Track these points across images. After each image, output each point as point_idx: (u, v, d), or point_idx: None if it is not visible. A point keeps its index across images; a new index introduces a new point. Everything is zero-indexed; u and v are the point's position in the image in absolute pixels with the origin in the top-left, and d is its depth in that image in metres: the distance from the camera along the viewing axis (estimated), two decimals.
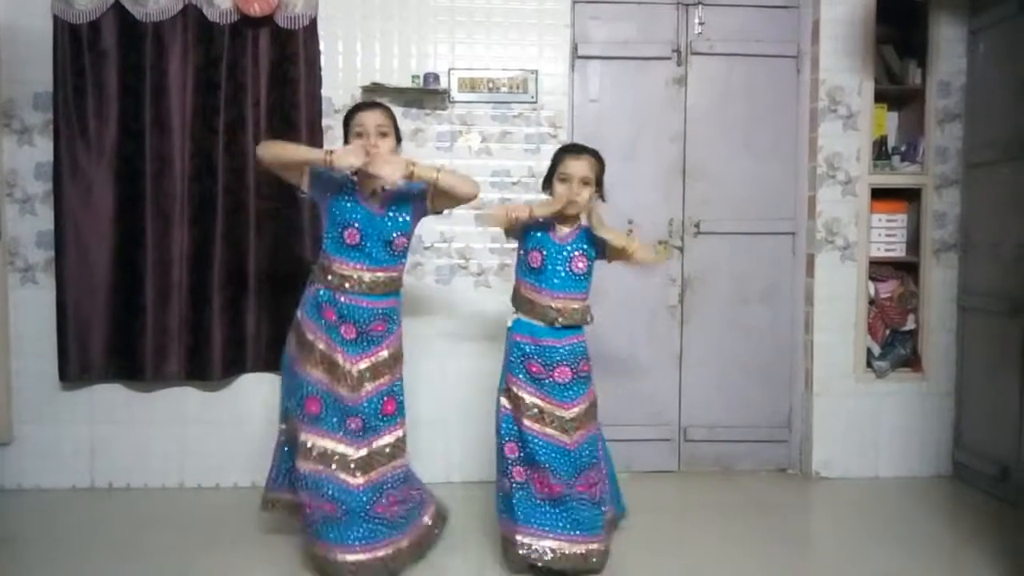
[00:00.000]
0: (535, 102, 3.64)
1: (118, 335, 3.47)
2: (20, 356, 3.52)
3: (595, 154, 2.69)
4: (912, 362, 3.84)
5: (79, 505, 3.39)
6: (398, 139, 2.75)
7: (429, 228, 3.63)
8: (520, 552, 2.60)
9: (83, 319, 3.45)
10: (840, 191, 3.76)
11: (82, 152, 3.42)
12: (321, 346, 2.66)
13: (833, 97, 3.74)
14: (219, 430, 3.59)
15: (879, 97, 3.79)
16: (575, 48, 3.76)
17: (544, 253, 2.64)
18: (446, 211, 2.87)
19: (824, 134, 3.75)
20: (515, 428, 2.66)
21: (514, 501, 2.63)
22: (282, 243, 3.48)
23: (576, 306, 2.65)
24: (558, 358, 2.63)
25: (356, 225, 2.63)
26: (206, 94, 3.44)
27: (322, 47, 3.53)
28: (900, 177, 3.81)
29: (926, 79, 3.78)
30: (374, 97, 3.54)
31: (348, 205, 2.66)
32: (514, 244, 2.81)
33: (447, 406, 3.61)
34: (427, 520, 2.82)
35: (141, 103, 3.41)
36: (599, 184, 2.69)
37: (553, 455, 2.59)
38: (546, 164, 3.58)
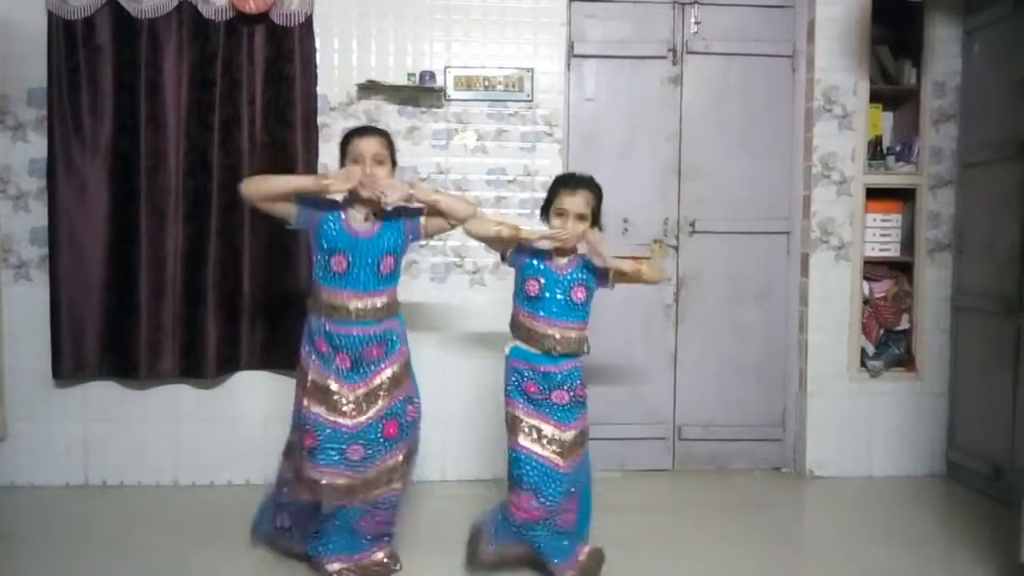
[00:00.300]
0: (531, 100, 3.64)
1: (112, 332, 3.46)
2: (13, 353, 3.51)
3: (592, 186, 2.64)
4: (906, 362, 3.85)
5: (73, 503, 3.39)
6: (393, 164, 2.69)
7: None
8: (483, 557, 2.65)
9: (77, 316, 3.44)
10: (835, 191, 3.77)
11: (76, 149, 3.41)
12: (315, 376, 2.62)
13: (828, 97, 3.75)
14: (213, 428, 3.59)
15: (874, 97, 3.80)
16: (571, 47, 3.76)
17: (542, 282, 2.60)
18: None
19: (819, 134, 3.75)
20: (511, 456, 2.62)
21: (493, 516, 2.66)
22: (276, 241, 3.47)
23: (573, 335, 2.61)
24: (556, 383, 2.60)
25: (343, 251, 2.59)
26: (201, 91, 3.43)
27: (318, 44, 3.53)
28: (895, 177, 3.82)
29: (921, 79, 3.79)
30: (370, 95, 3.56)
31: (334, 232, 2.60)
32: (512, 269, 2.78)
33: (442, 404, 3.60)
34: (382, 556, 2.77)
35: (136, 100, 3.40)
36: (596, 216, 2.64)
37: (542, 477, 2.55)
38: (541, 162, 3.65)
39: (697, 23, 3.82)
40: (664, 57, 3.82)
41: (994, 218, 3.55)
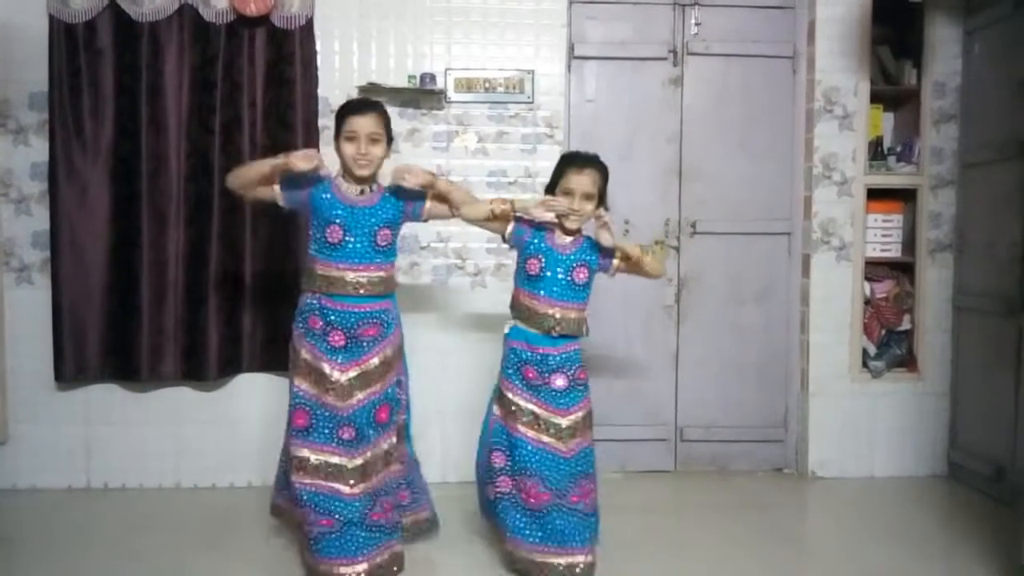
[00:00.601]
0: (531, 102, 3.64)
1: (114, 335, 3.46)
2: (16, 356, 3.52)
3: (599, 165, 2.63)
4: (908, 362, 3.85)
5: (75, 505, 3.39)
6: (390, 139, 2.71)
7: (426, 228, 3.63)
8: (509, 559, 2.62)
9: (79, 319, 3.44)
10: (836, 191, 3.77)
11: (78, 152, 3.42)
12: (307, 356, 2.62)
13: (829, 98, 3.75)
14: (215, 430, 3.59)
15: (875, 98, 3.80)
16: (571, 48, 3.76)
17: (543, 261, 2.60)
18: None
19: (820, 134, 3.75)
20: (504, 437, 2.62)
21: (499, 511, 2.62)
22: (278, 243, 3.47)
23: (573, 315, 2.61)
24: (554, 365, 2.60)
25: (337, 221, 2.58)
26: (202, 94, 3.44)
27: (318, 47, 3.53)
28: (896, 177, 3.82)
29: (922, 80, 3.79)
30: (371, 97, 3.55)
31: (327, 201, 2.61)
32: (514, 251, 2.79)
33: (444, 406, 3.61)
34: (407, 518, 2.81)
35: (137, 103, 3.40)
36: (602, 195, 2.64)
37: (546, 463, 2.55)
38: (542, 164, 3.64)
39: (697, 24, 3.82)
40: (665, 58, 3.82)
41: (995, 218, 3.55)
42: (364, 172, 2.62)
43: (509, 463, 2.61)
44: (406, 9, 3.59)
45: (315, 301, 2.62)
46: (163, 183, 3.43)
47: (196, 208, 3.45)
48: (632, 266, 2.64)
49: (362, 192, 2.65)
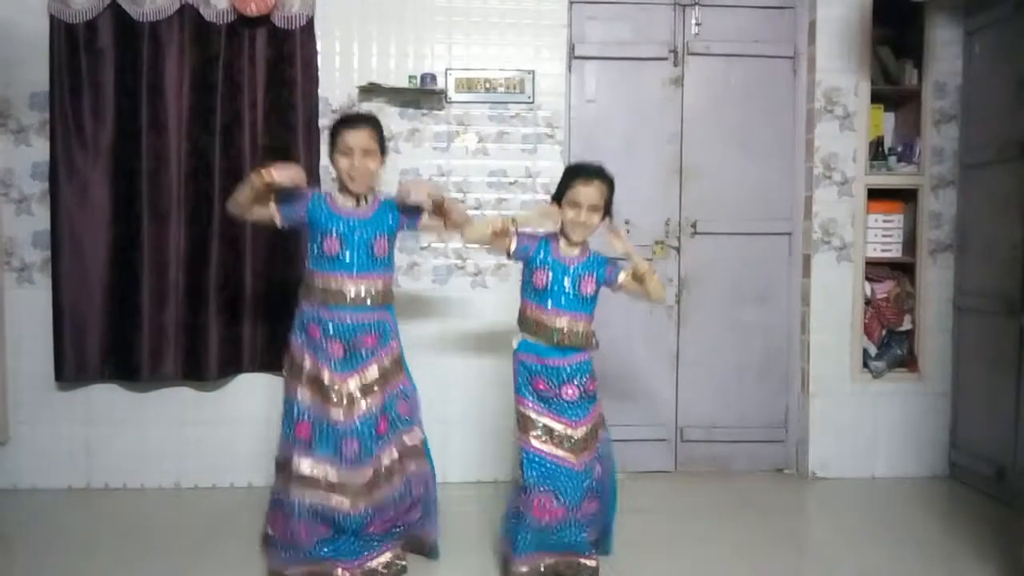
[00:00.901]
0: (532, 102, 3.64)
1: (114, 335, 3.46)
2: (16, 356, 3.52)
3: (605, 177, 2.62)
4: (908, 362, 3.85)
5: (75, 505, 3.39)
6: (384, 152, 2.73)
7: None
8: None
9: (79, 319, 3.44)
10: (836, 192, 3.77)
11: (78, 152, 3.42)
12: (308, 366, 2.62)
13: (829, 98, 3.74)
14: (215, 430, 3.59)
15: (875, 98, 3.80)
16: (572, 48, 3.76)
17: (550, 273, 2.59)
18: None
19: (820, 135, 3.75)
20: (523, 455, 2.60)
21: (509, 527, 2.63)
22: (279, 243, 3.47)
23: (581, 327, 2.60)
24: (564, 376, 2.58)
25: (334, 232, 2.60)
26: (203, 94, 3.44)
27: (319, 47, 3.53)
28: (896, 178, 3.82)
29: (922, 80, 3.79)
30: (372, 97, 3.56)
31: (323, 214, 2.63)
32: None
33: (444, 407, 3.60)
34: (413, 532, 2.78)
35: (137, 103, 3.41)
36: (608, 207, 2.63)
37: (560, 477, 2.53)
38: (543, 164, 3.65)
39: (698, 24, 3.82)
40: (665, 58, 3.82)
41: (995, 218, 3.55)
42: (359, 187, 2.65)
43: (524, 481, 2.57)
44: (407, 9, 3.59)
45: (314, 312, 2.63)
46: (164, 183, 3.43)
47: (197, 208, 3.45)
48: (637, 282, 2.62)
49: (358, 204, 2.67)
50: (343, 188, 2.67)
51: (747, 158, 3.87)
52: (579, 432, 2.57)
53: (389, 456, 2.67)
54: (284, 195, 2.62)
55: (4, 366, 3.50)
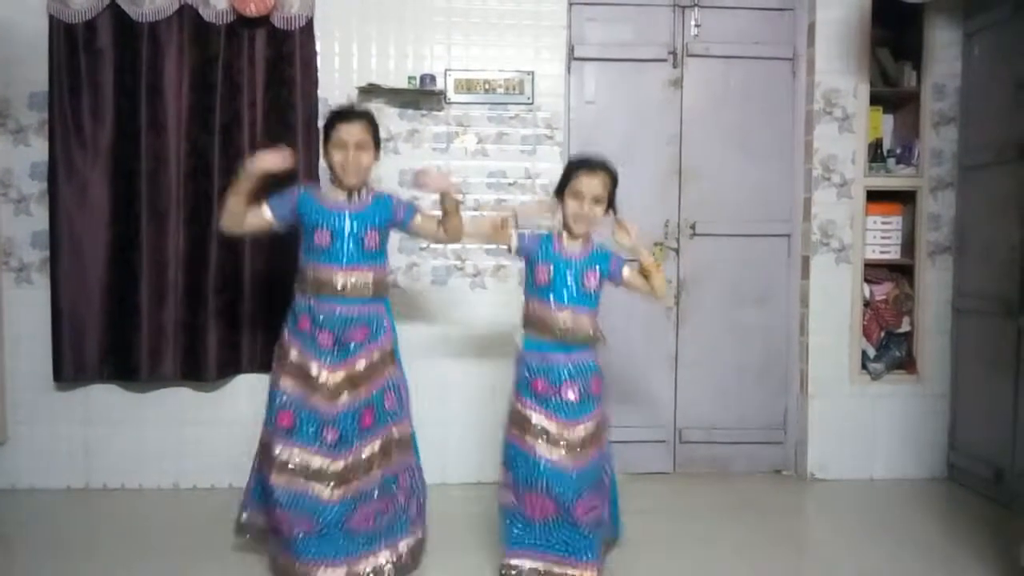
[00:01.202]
0: (531, 103, 3.64)
1: (113, 335, 3.46)
2: (15, 356, 3.52)
3: (609, 170, 2.61)
4: (907, 364, 3.85)
5: (74, 506, 3.39)
6: (378, 146, 2.73)
7: None
8: (502, 573, 2.58)
9: (78, 319, 3.44)
10: (835, 193, 3.77)
11: (77, 152, 3.42)
12: (295, 356, 2.64)
13: (829, 99, 3.75)
14: (214, 431, 3.58)
15: (874, 100, 3.80)
16: (571, 50, 3.76)
17: (552, 268, 2.57)
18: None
19: (820, 136, 3.76)
20: (512, 452, 2.58)
21: (505, 524, 2.60)
22: (277, 244, 3.46)
23: (584, 321, 2.58)
24: (565, 375, 2.56)
25: (324, 225, 2.62)
26: (202, 94, 3.44)
27: (318, 47, 3.53)
28: (895, 179, 3.82)
29: (921, 82, 3.79)
30: (371, 98, 3.56)
31: (314, 208, 2.65)
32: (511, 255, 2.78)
33: (442, 407, 3.61)
34: (405, 544, 2.74)
35: (137, 103, 3.40)
36: (611, 200, 2.62)
37: (554, 477, 2.50)
38: (542, 165, 3.65)
39: (697, 26, 3.82)
40: (664, 60, 3.83)
41: (994, 220, 3.55)
42: (352, 180, 2.65)
43: (514, 476, 2.56)
44: (406, 10, 3.60)
45: (306, 302, 2.65)
46: (163, 183, 3.43)
47: (196, 208, 3.45)
48: (642, 278, 2.61)
49: (351, 198, 2.67)
50: (336, 181, 2.68)
51: (746, 159, 3.87)
52: (576, 433, 2.54)
53: (371, 448, 2.66)
54: (274, 199, 2.66)
55: (3, 366, 3.50)
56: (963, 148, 3.77)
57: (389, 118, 3.59)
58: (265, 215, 2.66)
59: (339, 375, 2.62)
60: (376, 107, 3.56)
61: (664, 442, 3.90)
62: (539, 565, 2.55)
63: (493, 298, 3.65)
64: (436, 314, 3.64)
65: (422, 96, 3.58)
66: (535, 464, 2.52)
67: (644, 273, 2.61)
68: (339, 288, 2.62)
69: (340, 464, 2.59)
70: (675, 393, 3.90)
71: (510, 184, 3.66)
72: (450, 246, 3.62)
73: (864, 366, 3.81)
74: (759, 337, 3.91)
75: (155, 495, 3.53)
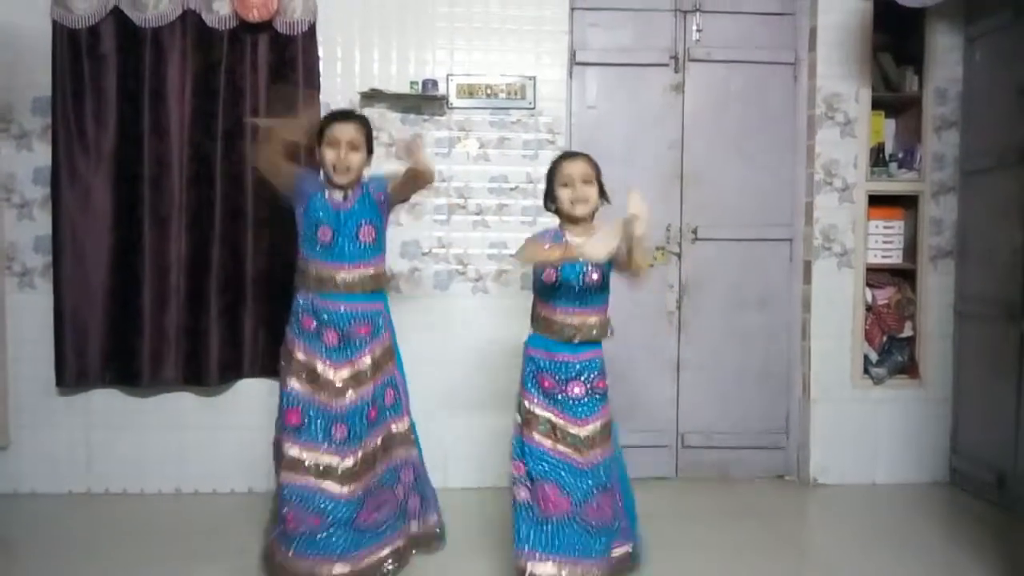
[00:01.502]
0: (533, 108, 3.65)
1: (115, 340, 3.47)
2: (17, 361, 3.52)
3: (590, 158, 2.60)
4: (909, 369, 3.85)
5: (75, 510, 3.39)
6: (370, 150, 2.77)
7: (427, 234, 3.64)
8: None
9: (80, 324, 3.45)
10: (837, 198, 3.77)
11: (80, 157, 3.43)
12: (301, 355, 2.67)
13: (830, 104, 3.75)
14: (216, 435, 3.59)
15: (876, 104, 3.81)
16: (573, 55, 3.77)
17: (557, 269, 2.54)
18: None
19: (821, 141, 3.76)
20: (520, 448, 2.56)
21: (516, 522, 2.56)
22: (279, 248, 3.47)
23: (594, 321, 2.55)
24: (572, 373, 2.54)
25: (328, 223, 2.67)
26: (205, 99, 3.45)
27: (321, 53, 3.54)
28: (897, 184, 3.82)
29: (923, 86, 3.80)
30: (373, 103, 3.57)
31: (319, 203, 2.70)
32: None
33: (445, 412, 3.60)
34: (412, 528, 2.81)
35: (140, 108, 3.41)
36: (601, 186, 2.58)
37: (563, 471, 2.48)
38: (544, 170, 3.57)
39: (699, 31, 3.83)
40: (666, 65, 3.83)
41: (996, 225, 3.55)
42: (342, 180, 2.69)
43: (526, 472, 2.53)
44: (408, 15, 3.60)
45: (308, 302, 2.69)
46: (165, 188, 3.44)
47: (198, 213, 3.46)
48: (624, 261, 2.48)
49: (344, 197, 2.72)
50: (329, 182, 2.73)
51: (748, 164, 3.87)
52: (584, 430, 2.52)
53: (374, 444, 2.70)
54: (302, 173, 2.76)
55: (5, 371, 3.51)
56: (965, 152, 3.77)
57: (391, 123, 3.60)
58: (290, 185, 2.72)
59: (345, 372, 2.66)
60: (378, 112, 3.58)
61: (666, 447, 3.90)
62: (552, 569, 2.50)
63: (495, 302, 3.65)
64: (438, 319, 3.64)
65: (424, 101, 3.59)
66: (545, 458, 2.50)
67: (626, 241, 2.42)
68: (342, 285, 2.66)
69: (350, 460, 2.62)
70: (677, 397, 3.90)
71: (512, 189, 3.66)
72: (452, 251, 3.63)
73: (866, 370, 3.81)
74: (761, 341, 3.91)
75: (157, 500, 3.53)
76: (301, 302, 2.70)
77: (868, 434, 3.80)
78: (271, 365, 3.49)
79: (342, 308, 2.66)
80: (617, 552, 2.58)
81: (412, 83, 3.57)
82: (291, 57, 3.47)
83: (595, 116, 3.83)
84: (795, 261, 3.91)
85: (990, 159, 3.59)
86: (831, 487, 3.77)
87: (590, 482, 2.51)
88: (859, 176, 3.77)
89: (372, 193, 2.75)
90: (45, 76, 3.41)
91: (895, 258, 3.87)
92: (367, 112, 3.55)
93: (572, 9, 3.73)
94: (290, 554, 2.58)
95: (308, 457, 2.61)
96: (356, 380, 2.67)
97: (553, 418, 2.53)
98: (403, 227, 3.58)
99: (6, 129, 3.50)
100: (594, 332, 2.56)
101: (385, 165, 2.88)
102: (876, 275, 3.85)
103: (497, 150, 3.66)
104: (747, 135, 3.87)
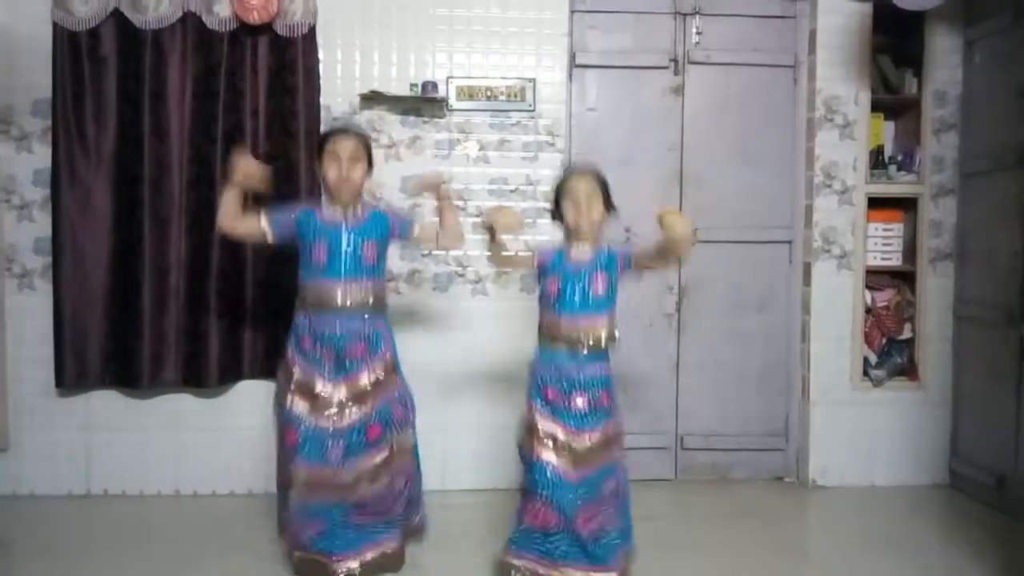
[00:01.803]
0: (533, 111, 3.65)
1: (115, 342, 3.47)
2: (17, 363, 3.52)
3: (593, 171, 2.61)
4: (908, 371, 3.85)
5: (75, 512, 3.39)
6: (370, 165, 2.79)
7: None
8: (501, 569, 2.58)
9: (80, 326, 3.44)
10: (837, 200, 3.77)
11: (80, 159, 3.43)
12: (299, 375, 2.68)
13: (830, 106, 3.75)
14: (215, 437, 3.59)
15: (875, 107, 3.81)
16: (573, 57, 3.77)
17: (560, 280, 2.55)
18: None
19: (821, 143, 3.76)
20: (522, 455, 2.58)
21: (513, 524, 2.58)
22: (279, 251, 3.46)
23: (600, 328, 2.55)
24: (576, 385, 2.53)
25: (322, 242, 2.67)
26: (205, 101, 3.45)
27: (321, 55, 3.54)
28: (896, 186, 3.82)
29: (922, 89, 3.80)
30: (373, 105, 3.57)
31: (313, 223, 2.71)
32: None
33: (444, 414, 3.60)
34: (391, 543, 2.79)
35: (140, 110, 3.41)
36: (608, 199, 2.59)
37: (556, 484, 2.48)
38: (543, 172, 3.65)
39: (698, 33, 3.83)
40: (666, 67, 3.83)
41: (995, 227, 3.55)
42: (344, 197, 2.71)
43: (525, 482, 2.56)
44: (408, 18, 3.61)
45: (306, 320, 2.71)
46: (165, 190, 3.44)
47: (198, 215, 3.46)
48: (654, 249, 2.50)
49: (346, 213, 2.72)
50: (330, 199, 2.75)
51: (747, 166, 3.87)
52: (582, 443, 2.51)
53: (380, 457, 2.71)
54: (275, 212, 2.75)
55: (4, 372, 3.50)
56: (964, 155, 3.77)
57: (391, 125, 3.60)
58: (262, 225, 2.73)
59: (342, 391, 2.67)
60: (378, 114, 3.59)
61: (665, 449, 3.90)
62: (535, 567, 2.52)
63: (494, 305, 3.65)
64: (437, 321, 3.65)
65: (424, 103, 3.59)
66: (540, 469, 2.51)
67: (664, 228, 2.41)
68: (339, 303, 2.66)
69: (345, 477, 2.64)
70: (676, 399, 3.90)
71: (512, 191, 3.66)
72: (452, 253, 3.62)
73: (866, 373, 3.81)
74: (760, 344, 3.91)
75: (156, 501, 3.53)
76: (300, 322, 2.72)
77: (867, 436, 3.80)
78: (271, 367, 3.49)
79: (338, 328, 2.67)
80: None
81: (412, 85, 3.57)
82: (291, 59, 3.47)
83: (595, 118, 3.83)
84: (795, 263, 3.91)
85: (989, 161, 3.59)
86: (830, 489, 3.77)
87: (581, 493, 2.50)
88: (859, 178, 3.77)
89: (391, 225, 2.78)
90: (45, 78, 3.41)
91: (894, 260, 3.87)
92: (367, 115, 3.58)
93: (572, 11, 3.73)
94: (305, 550, 2.66)
95: (308, 476, 2.62)
96: (356, 398, 2.68)
97: (553, 428, 2.53)
98: None
99: (6, 131, 3.50)
100: (602, 338, 2.56)
101: (384, 169, 2.88)
102: (876, 277, 3.85)
103: (497, 152, 3.66)
104: (747, 137, 3.87)
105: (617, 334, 2.62)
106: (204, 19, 3.43)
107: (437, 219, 2.88)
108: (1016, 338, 3.37)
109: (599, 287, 2.55)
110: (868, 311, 3.83)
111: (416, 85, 3.56)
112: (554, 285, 2.57)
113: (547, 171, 3.65)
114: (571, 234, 2.60)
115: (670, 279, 3.86)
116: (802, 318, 3.87)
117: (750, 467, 3.92)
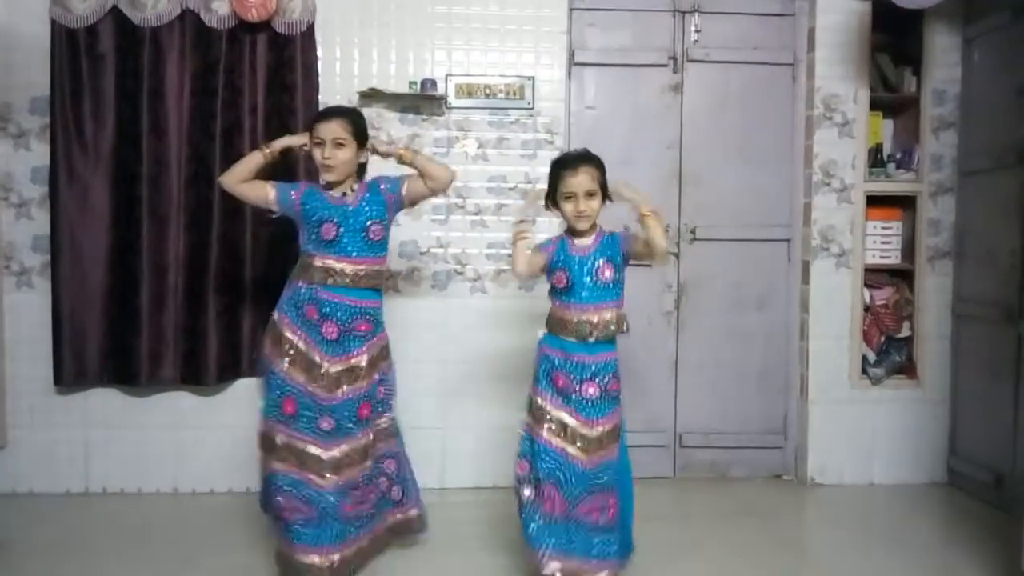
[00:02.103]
0: (532, 108, 3.65)
1: (113, 340, 3.46)
2: (15, 360, 3.52)
3: (592, 160, 2.60)
4: (907, 369, 3.85)
5: (73, 510, 3.39)
6: (363, 142, 2.77)
7: (425, 234, 3.64)
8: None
9: (78, 323, 3.44)
10: (835, 198, 3.78)
11: (79, 156, 3.43)
12: (300, 345, 2.68)
13: (828, 105, 3.75)
14: (214, 435, 3.58)
15: (874, 105, 3.81)
16: (572, 55, 3.77)
17: (568, 271, 2.56)
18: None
19: (820, 141, 3.76)
20: (529, 445, 2.58)
21: (523, 519, 2.57)
22: (278, 248, 3.47)
23: (609, 315, 2.55)
24: (588, 373, 2.54)
25: (332, 220, 2.68)
26: (203, 99, 3.45)
27: (320, 53, 3.54)
28: (895, 184, 3.83)
29: (921, 87, 3.80)
30: (372, 103, 3.57)
31: (319, 204, 2.71)
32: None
33: (443, 412, 3.61)
34: (396, 516, 2.86)
35: (138, 108, 3.41)
36: (604, 189, 2.59)
37: (565, 472, 2.49)
38: (542, 170, 3.59)
39: (697, 31, 3.83)
40: (665, 65, 3.83)
41: (994, 225, 3.55)
42: (330, 176, 2.72)
43: (532, 471, 2.55)
44: (407, 15, 3.60)
45: (311, 291, 2.69)
46: (164, 188, 3.44)
47: (196, 213, 3.46)
48: (641, 239, 2.54)
49: (344, 194, 2.73)
50: (323, 180, 2.75)
51: (746, 164, 3.87)
52: (595, 431, 2.52)
53: (365, 438, 2.73)
54: (282, 184, 2.76)
55: (3, 370, 3.50)
56: (963, 153, 3.78)
57: (390, 123, 3.60)
58: (268, 192, 2.73)
59: (339, 366, 2.68)
60: (377, 112, 3.58)
61: (664, 447, 3.90)
62: (569, 566, 2.51)
63: (493, 302, 3.65)
64: (436, 318, 3.64)
65: (423, 101, 3.59)
66: (552, 456, 2.51)
67: (642, 224, 2.50)
68: (348, 278, 2.67)
69: (334, 452, 2.65)
70: (675, 397, 3.90)
71: (510, 189, 3.66)
72: (451, 251, 3.63)
73: (864, 371, 3.81)
74: (759, 342, 3.91)
75: (155, 499, 3.53)
76: (303, 291, 2.70)
77: (866, 434, 3.80)
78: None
79: (348, 301, 2.68)
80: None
81: (411, 83, 3.57)
82: (290, 57, 3.47)
83: (593, 116, 3.83)
84: (793, 261, 3.91)
85: (988, 160, 3.59)
86: (829, 487, 3.77)
87: (589, 483, 2.52)
88: (857, 176, 3.77)
89: (383, 193, 2.76)
90: (43, 75, 3.41)
91: (893, 258, 3.87)
92: (365, 112, 3.55)
93: (571, 9, 3.73)
94: (293, 545, 2.62)
95: (297, 446, 2.63)
96: (350, 376, 2.69)
97: (567, 417, 2.53)
98: (401, 227, 3.58)
99: (4, 128, 3.50)
100: (611, 327, 2.56)
101: (384, 168, 2.86)
102: (874, 275, 3.85)
103: (495, 150, 3.66)
104: (745, 135, 3.87)
105: (627, 323, 2.63)
106: (203, 16, 3.42)
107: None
108: (1015, 336, 3.38)
109: (606, 273, 2.56)
110: (867, 309, 3.83)
111: (415, 83, 3.56)
112: (562, 278, 2.57)
113: (546, 169, 3.53)
114: (571, 228, 2.62)
115: (669, 277, 3.86)
116: (801, 316, 3.87)
117: (749, 465, 3.92)
